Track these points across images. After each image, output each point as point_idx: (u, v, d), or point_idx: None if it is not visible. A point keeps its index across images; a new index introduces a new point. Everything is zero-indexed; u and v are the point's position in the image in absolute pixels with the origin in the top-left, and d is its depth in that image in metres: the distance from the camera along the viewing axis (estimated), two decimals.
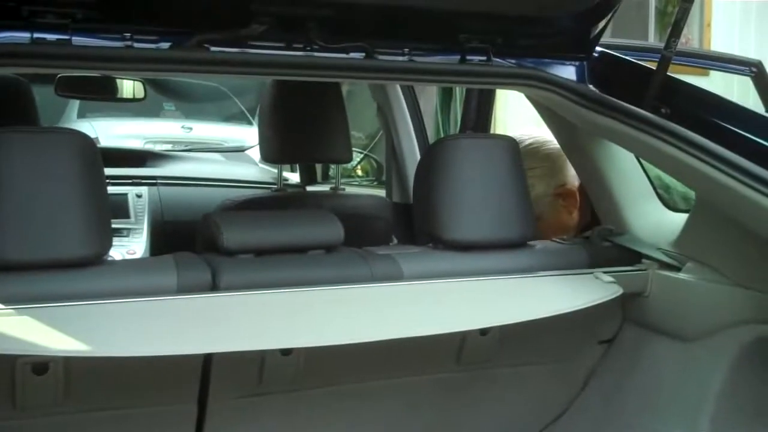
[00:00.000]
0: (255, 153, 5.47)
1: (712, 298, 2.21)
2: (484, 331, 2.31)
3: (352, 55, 2.19)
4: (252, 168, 4.98)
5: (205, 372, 2.08)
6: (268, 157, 3.33)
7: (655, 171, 2.48)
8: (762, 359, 2.15)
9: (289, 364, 2.13)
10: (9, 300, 1.75)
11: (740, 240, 2.09)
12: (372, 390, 2.32)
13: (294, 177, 4.62)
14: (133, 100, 4.35)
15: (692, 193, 2.36)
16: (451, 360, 2.35)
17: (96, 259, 1.91)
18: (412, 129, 3.49)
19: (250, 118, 7.58)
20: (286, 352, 2.11)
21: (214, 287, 1.98)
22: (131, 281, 1.94)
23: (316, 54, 2.13)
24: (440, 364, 2.36)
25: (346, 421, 2.35)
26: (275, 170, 4.65)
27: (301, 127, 3.12)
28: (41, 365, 1.89)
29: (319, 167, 4.63)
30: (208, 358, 2.05)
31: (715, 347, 2.21)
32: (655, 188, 2.52)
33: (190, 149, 5.91)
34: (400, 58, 2.24)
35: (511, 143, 2.35)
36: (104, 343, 1.74)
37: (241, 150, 5.55)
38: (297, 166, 4.57)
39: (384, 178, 4.22)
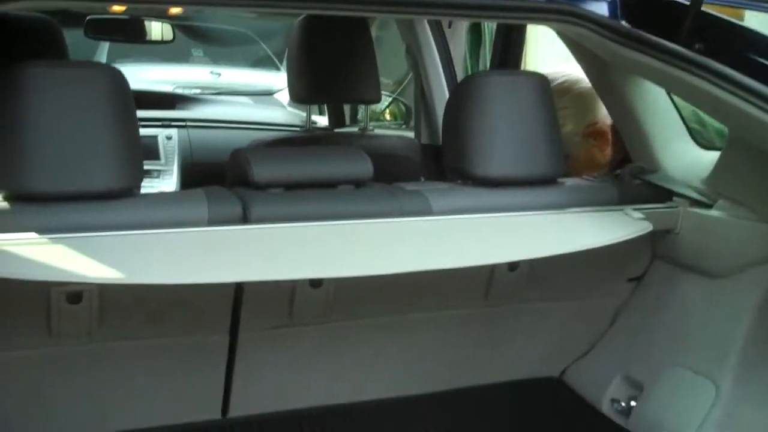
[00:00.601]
0: (283, 97, 5.48)
1: (743, 236, 2.20)
2: (512, 267, 2.32)
3: None
4: (280, 111, 4.99)
5: (236, 303, 2.11)
6: (296, 97, 3.32)
7: (690, 107, 2.45)
8: None
9: (318, 297, 2.16)
10: (43, 230, 1.78)
11: None
12: (400, 324, 2.34)
13: (322, 120, 4.62)
14: (162, 42, 4.36)
15: (725, 130, 2.33)
16: (479, 295, 2.36)
17: (127, 192, 1.93)
18: (441, 70, 3.46)
19: (278, 63, 7.56)
20: (315, 284, 2.14)
21: (244, 220, 2.00)
22: (163, 213, 1.95)
23: None
24: (468, 299, 2.38)
25: (373, 354, 2.38)
26: (303, 114, 4.67)
27: (329, 67, 3.11)
28: (76, 294, 1.92)
29: (347, 110, 4.63)
30: (239, 290, 2.08)
31: (745, 284, 2.21)
32: (687, 126, 2.50)
33: (218, 93, 5.90)
34: None
35: (541, 80, 2.33)
36: (137, 271, 1.76)
37: (269, 93, 5.54)
38: (325, 108, 4.56)
39: (412, 122, 4.21)
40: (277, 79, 6.45)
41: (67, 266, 1.72)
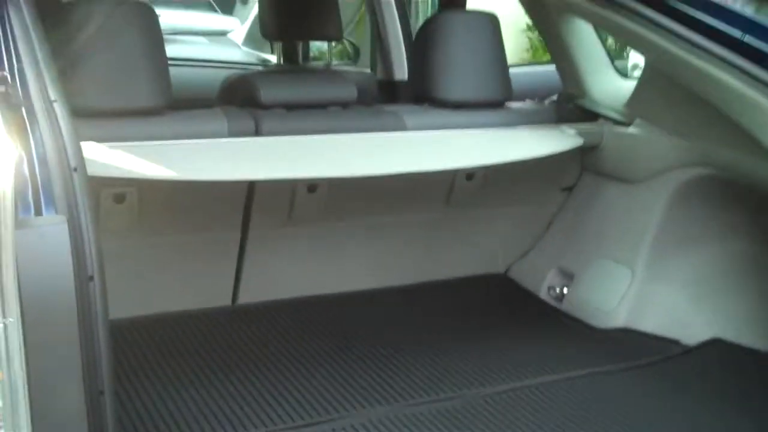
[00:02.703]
0: (233, 37, 5.82)
1: (654, 148, 2.71)
2: (469, 176, 2.80)
3: None
4: (237, 50, 5.34)
5: (247, 205, 2.55)
6: (268, 35, 3.71)
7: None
8: (692, 195, 2.67)
9: (313, 200, 2.61)
10: (96, 139, 2.17)
11: (680, 100, 2.55)
12: (378, 225, 2.82)
13: (273, 58, 4.97)
14: None
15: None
16: (442, 201, 2.85)
17: (162, 110, 2.34)
18: (396, 13, 3.88)
19: (215, 7, 7.81)
20: (311, 189, 2.59)
21: (257, 132, 2.43)
22: (191, 127, 2.37)
23: None
24: (432, 204, 2.86)
25: (354, 251, 2.86)
26: (257, 53, 5.05)
27: (298, 9, 3.50)
28: (120, 196, 2.34)
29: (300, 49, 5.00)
30: (250, 192, 2.52)
31: (655, 188, 2.72)
32: (611, 58, 2.99)
33: (174, 33, 6.16)
34: None
35: (492, 18, 2.80)
36: (171, 171, 2.17)
37: (223, 34, 5.86)
38: (277, 48, 4.91)
39: (357, 60, 4.63)
40: (221, 21, 6.73)
41: (116, 167, 2.12)
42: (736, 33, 2.35)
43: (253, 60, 4.90)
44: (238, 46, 5.52)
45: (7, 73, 1.61)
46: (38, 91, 1.62)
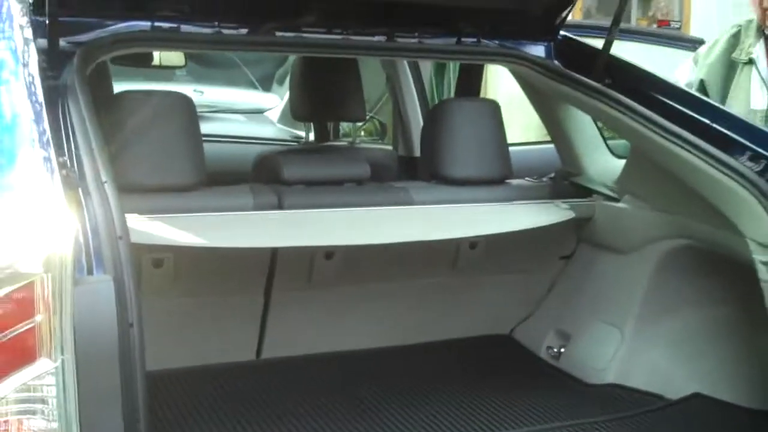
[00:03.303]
0: (269, 115, 6.21)
1: (641, 221, 2.99)
2: (472, 245, 3.10)
3: (377, 38, 2.95)
4: (272, 127, 5.72)
5: (271, 270, 2.87)
6: (298, 115, 4.07)
7: None
8: (674, 264, 2.94)
9: (331, 266, 2.92)
10: (138, 211, 2.49)
11: (662, 179, 2.83)
12: (389, 289, 3.12)
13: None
14: (175, 67, 5.07)
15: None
16: (447, 268, 3.15)
17: (197, 186, 2.68)
18: (416, 96, 4.22)
19: (257, 84, 8.24)
20: (329, 256, 2.90)
21: (279, 206, 2.75)
22: (221, 201, 2.70)
23: (351, 37, 2.89)
24: (438, 270, 3.15)
25: (367, 313, 3.16)
26: (291, 130, 5.42)
27: (325, 92, 3.86)
28: (158, 261, 2.67)
29: (330, 128, 5.37)
30: (274, 259, 2.84)
31: (643, 257, 3.00)
32: (605, 140, 3.30)
33: (213, 111, 6.56)
34: (412, 41, 3.00)
35: (495, 105, 3.13)
36: (203, 238, 2.50)
37: (260, 111, 6.25)
38: (311, 126, 5.29)
39: (385, 137, 4.97)
40: (259, 97, 7.13)
41: (155, 235, 2.46)
42: (705, 121, 2.66)
43: (285, 137, 5.27)
44: (273, 123, 5.91)
45: (67, 158, 1.95)
46: (92, 173, 1.95)
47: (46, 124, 1.89)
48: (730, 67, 3.39)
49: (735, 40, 3.42)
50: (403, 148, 4.37)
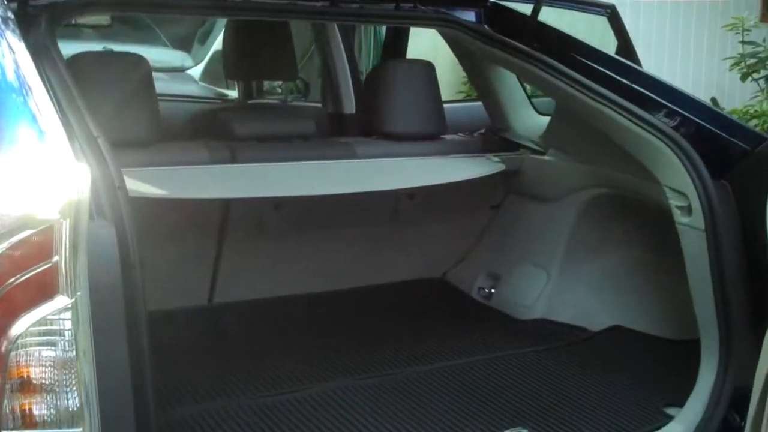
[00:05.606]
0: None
1: (565, 172, 3.29)
2: (410, 196, 3.34)
3: (321, 2, 3.12)
4: (196, 85, 5.81)
5: (223, 220, 3.05)
6: (231, 75, 4.21)
7: None
8: (595, 211, 3.25)
9: (279, 216, 3.12)
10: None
11: (584, 133, 3.10)
12: (334, 237, 3.34)
13: (231, 93, 5.44)
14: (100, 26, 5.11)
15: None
16: (388, 216, 3.38)
17: (155, 142, 2.82)
18: (345, 56, 4.40)
19: (167, 43, 8.23)
20: (278, 207, 3.10)
21: (233, 161, 2.93)
22: (179, 156, 2.86)
23: (298, 2, 3.06)
24: (380, 219, 3.39)
25: (316, 257, 3.37)
26: (213, 88, 5.53)
27: (261, 53, 4.00)
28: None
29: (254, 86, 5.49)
30: (226, 209, 3.01)
31: (567, 205, 3.31)
32: (530, 99, 3.56)
33: None
34: (354, 6, 3.19)
35: (431, 66, 3.36)
36: (163, 190, 2.65)
37: (182, 70, 6.31)
38: (235, 84, 5.40)
39: (308, 95, 5.13)
40: (177, 57, 7.15)
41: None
42: (625, 81, 2.93)
43: (211, 95, 5.39)
44: (196, 82, 5.99)
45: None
46: (84, 129, 2.09)
47: (33, 82, 2.02)
48: None
49: None
50: (331, 105, 4.55)
